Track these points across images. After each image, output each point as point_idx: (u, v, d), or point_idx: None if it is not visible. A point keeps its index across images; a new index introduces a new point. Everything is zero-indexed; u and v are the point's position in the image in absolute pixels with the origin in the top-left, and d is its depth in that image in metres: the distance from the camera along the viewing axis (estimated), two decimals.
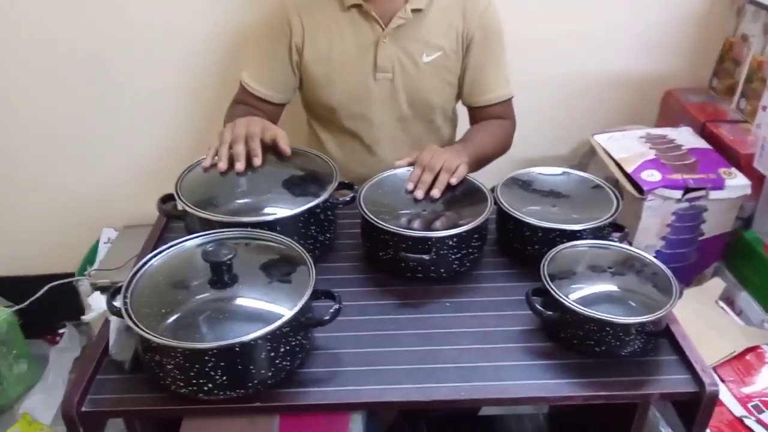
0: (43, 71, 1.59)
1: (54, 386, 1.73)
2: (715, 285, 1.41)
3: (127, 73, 1.61)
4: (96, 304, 0.89)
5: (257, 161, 1.05)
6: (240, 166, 1.05)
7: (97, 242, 1.72)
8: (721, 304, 1.38)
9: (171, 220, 1.13)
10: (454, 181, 1.06)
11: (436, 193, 1.04)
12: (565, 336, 0.87)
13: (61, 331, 1.83)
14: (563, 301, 0.85)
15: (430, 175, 1.06)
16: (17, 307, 1.67)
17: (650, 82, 1.72)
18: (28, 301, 1.64)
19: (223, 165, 1.05)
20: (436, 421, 1.38)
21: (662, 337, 0.89)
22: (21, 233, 1.79)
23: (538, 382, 0.83)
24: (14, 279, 1.81)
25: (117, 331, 0.86)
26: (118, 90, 1.62)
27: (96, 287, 1.55)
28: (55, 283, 1.64)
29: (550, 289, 0.87)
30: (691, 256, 1.47)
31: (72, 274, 1.68)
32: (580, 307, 0.84)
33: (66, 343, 1.81)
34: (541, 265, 0.91)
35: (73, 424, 0.78)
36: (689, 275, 1.50)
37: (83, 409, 0.79)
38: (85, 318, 0.93)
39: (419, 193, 1.04)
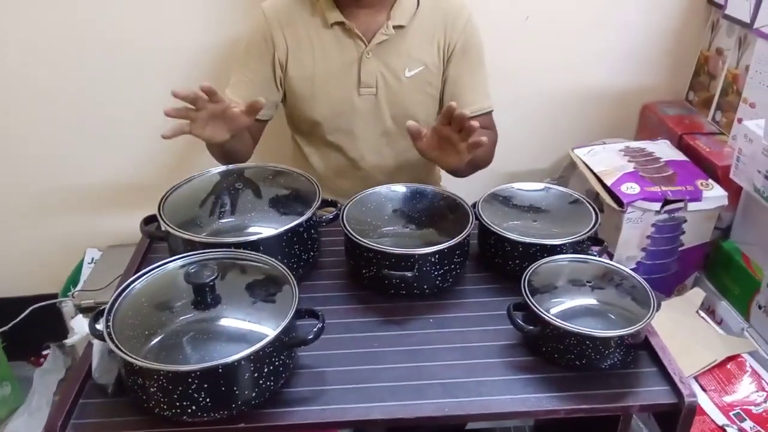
0: (25, 90, 1.58)
1: (38, 408, 1.71)
2: (695, 295, 1.43)
3: (110, 91, 1.61)
4: (79, 327, 0.89)
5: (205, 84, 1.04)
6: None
7: (81, 262, 1.71)
8: (702, 313, 1.40)
9: (154, 241, 1.13)
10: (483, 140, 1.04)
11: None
12: (546, 350, 0.88)
13: (44, 352, 1.81)
14: (543, 315, 0.86)
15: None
16: (0, 330, 1.65)
17: (629, 95, 1.75)
18: (10, 324, 1.62)
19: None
20: None
21: (641, 350, 0.90)
22: (3, 254, 1.77)
23: (520, 397, 0.84)
24: None
25: (100, 355, 0.85)
26: (101, 109, 1.62)
27: (80, 308, 1.54)
28: (39, 304, 1.62)
29: (530, 303, 0.88)
30: (672, 267, 1.49)
31: (55, 295, 1.66)
32: (560, 321, 0.85)
33: (50, 365, 1.78)
34: (522, 280, 0.92)
35: None
36: (670, 286, 1.52)
37: None
38: (68, 341, 0.93)
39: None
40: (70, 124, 1.63)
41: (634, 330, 0.84)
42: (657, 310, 0.87)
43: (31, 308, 1.60)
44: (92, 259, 1.72)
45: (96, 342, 0.86)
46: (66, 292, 1.63)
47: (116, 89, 1.61)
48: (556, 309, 0.89)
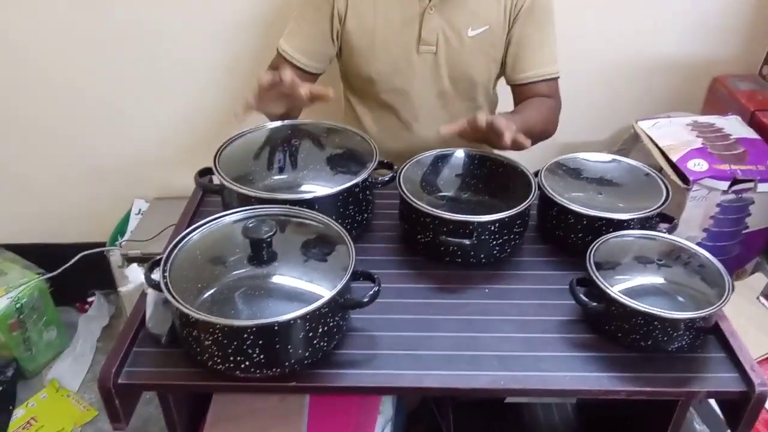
0: (79, 41, 1.57)
1: (82, 353, 1.75)
2: (757, 280, 1.37)
3: (163, 44, 1.59)
4: (133, 276, 0.89)
5: (287, 75, 1.02)
6: (267, 81, 1.02)
7: (129, 213, 1.72)
8: (762, 300, 1.33)
9: (207, 194, 1.12)
10: (525, 142, 1.00)
11: (507, 139, 0.98)
12: (609, 328, 0.85)
13: (90, 299, 1.85)
14: (610, 292, 0.82)
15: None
16: (49, 275, 1.68)
17: (698, 67, 1.66)
18: (59, 270, 1.65)
19: (252, 103, 1.03)
20: (462, 405, 1.36)
21: (710, 334, 0.86)
22: (54, 202, 1.80)
23: (580, 375, 0.81)
24: (46, 246, 1.81)
25: (154, 305, 0.85)
26: (153, 62, 1.61)
27: (127, 258, 1.55)
28: (87, 252, 1.64)
29: (596, 279, 0.84)
30: (734, 250, 1.43)
31: (103, 244, 1.68)
32: (628, 299, 0.81)
33: (95, 312, 1.83)
34: (588, 254, 0.88)
35: (109, 396, 0.78)
36: (730, 269, 1.45)
37: (120, 381, 0.79)
38: (122, 290, 0.94)
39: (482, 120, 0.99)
40: (122, 75, 1.62)
41: (707, 313, 0.80)
42: (732, 293, 0.83)
43: (79, 255, 1.62)
44: (139, 210, 1.73)
45: (150, 291, 0.85)
46: (113, 241, 1.65)
47: (169, 42, 1.58)
48: (621, 286, 0.85)
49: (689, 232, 1.38)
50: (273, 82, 1.03)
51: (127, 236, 1.64)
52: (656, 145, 1.41)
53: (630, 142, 1.59)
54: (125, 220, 1.71)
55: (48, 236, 1.82)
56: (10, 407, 1.60)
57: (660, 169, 1.37)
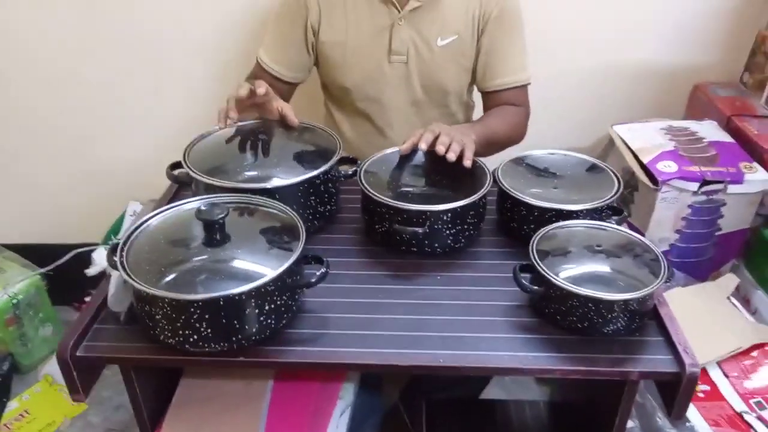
0: (78, 46, 1.65)
1: None
2: (729, 280, 1.37)
3: (159, 49, 1.66)
4: (99, 259, 0.94)
5: (261, 89, 1.09)
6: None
7: (123, 214, 1.79)
8: (734, 300, 1.34)
9: (183, 187, 1.18)
10: (467, 163, 1.04)
11: (451, 156, 1.02)
12: (549, 311, 0.88)
13: (87, 299, 1.90)
14: (547, 275, 0.85)
15: (447, 139, 1.05)
16: (41, 271, 1.73)
17: (679, 75, 1.68)
18: (52, 266, 1.71)
19: (231, 120, 1.09)
20: (435, 405, 1.38)
21: (650, 319, 0.88)
22: (52, 204, 1.87)
23: (517, 354, 0.84)
24: (43, 247, 1.88)
25: (116, 285, 0.90)
26: (149, 67, 1.68)
27: None
28: (80, 250, 1.71)
29: (536, 263, 0.87)
30: (707, 252, 1.44)
31: (97, 245, 1.74)
32: (563, 281, 0.84)
33: None
34: (531, 241, 0.91)
35: (66, 367, 0.82)
36: (705, 271, 1.47)
37: (77, 354, 0.83)
38: (89, 272, 0.98)
39: (423, 146, 1.05)
40: (120, 79, 1.69)
41: (639, 295, 0.82)
42: (667, 281, 0.85)
43: (73, 252, 1.68)
44: (134, 211, 1.79)
45: (114, 273, 0.90)
46: (107, 241, 1.71)
47: (164, 47, 1.65)
48: (566, 273, 0.88)
49: (661, 233, 1.40)
50: (249, 94, 1.10)
51: (120, 236, 1.69)
52: (629, 148, 1.43)
53: (608, 147, 1.62)
54: (120, 221, 1.77)
55: (47, 237, 1.89)
56: (4, 399, 1.65)
57: (632, 172, 1.40)
